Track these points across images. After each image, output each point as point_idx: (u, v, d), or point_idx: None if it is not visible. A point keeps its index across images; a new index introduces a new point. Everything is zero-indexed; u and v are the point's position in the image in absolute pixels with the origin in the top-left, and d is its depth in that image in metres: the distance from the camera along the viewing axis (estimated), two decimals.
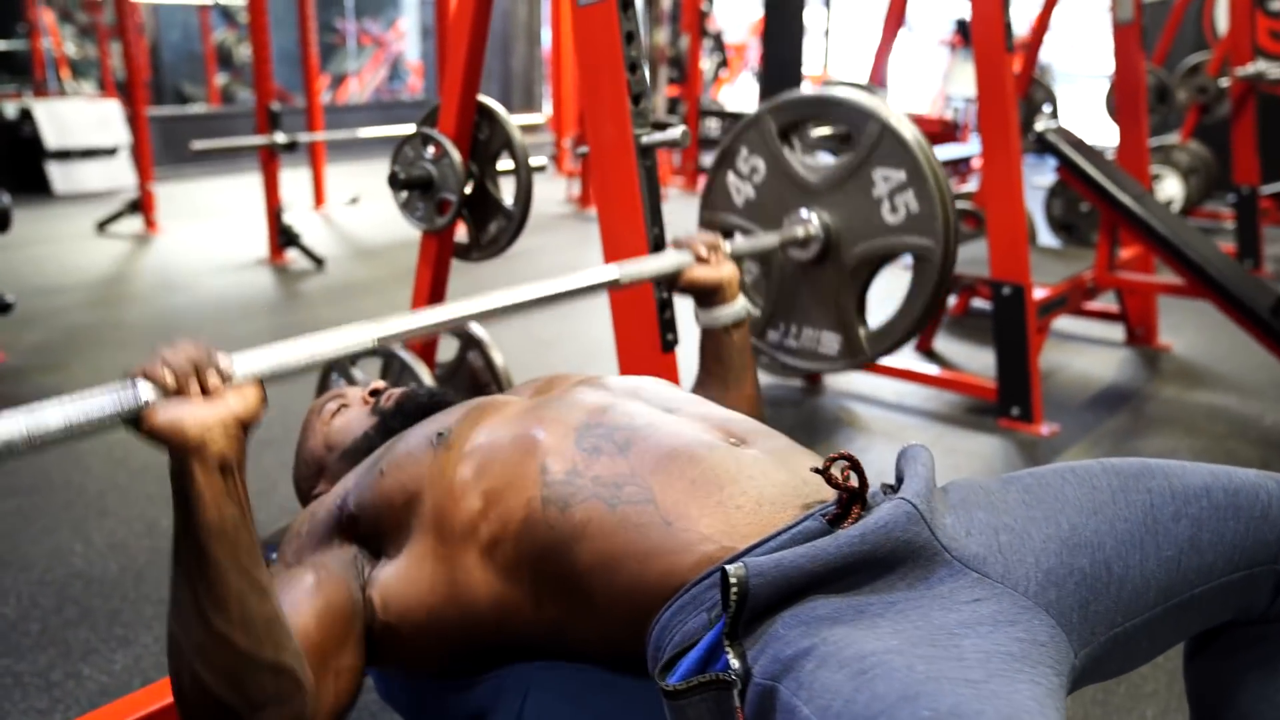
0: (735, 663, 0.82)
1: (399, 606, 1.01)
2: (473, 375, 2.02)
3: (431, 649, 1.03)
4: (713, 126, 8.00)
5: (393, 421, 1.24)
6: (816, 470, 0.93)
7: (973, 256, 3.60)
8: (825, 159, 1.77)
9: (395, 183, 1.77)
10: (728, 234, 2.08)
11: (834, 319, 1.71)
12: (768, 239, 1.60)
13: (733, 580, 0.82)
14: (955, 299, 4.11)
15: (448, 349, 2.06)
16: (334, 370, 2.01)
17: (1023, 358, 2.83)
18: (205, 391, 0.86)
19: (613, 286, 1.29)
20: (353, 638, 1.01)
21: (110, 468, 2.62)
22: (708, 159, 7.41)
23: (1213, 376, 3.44)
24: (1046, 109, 5.16)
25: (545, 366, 2.17)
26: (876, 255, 1.66)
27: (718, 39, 9.01)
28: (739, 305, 1.41)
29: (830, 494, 0.98)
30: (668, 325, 1.65)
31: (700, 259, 1.41)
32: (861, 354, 1.71)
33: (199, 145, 4.57)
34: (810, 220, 1.66)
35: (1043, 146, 3.23)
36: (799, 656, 0.79)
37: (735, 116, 7.59)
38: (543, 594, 0.98)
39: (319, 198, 6.81)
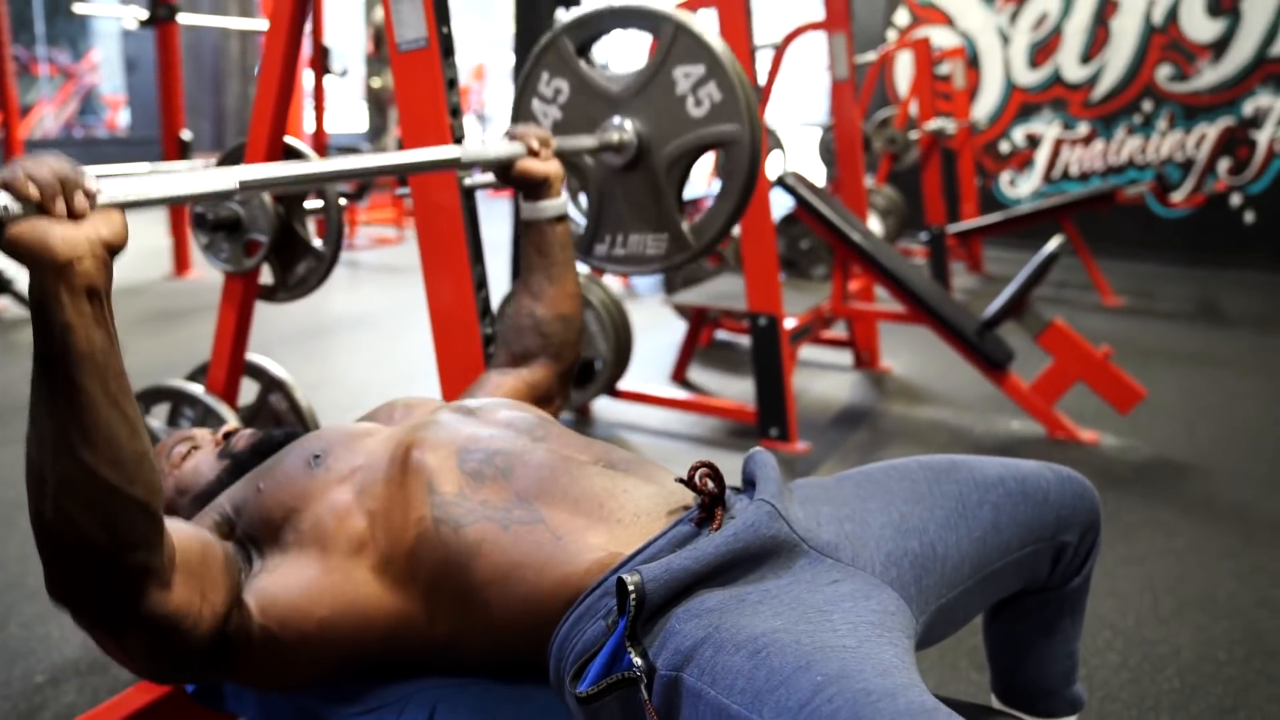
0: (639, 660, 0.90)
1: (280, 613, 1.00)
2: (276, 418, 1.97)
3: (316, 660, 1.03)
4: None
5: (249, 464, 1.23)
6: (681, 480, 1.05)
7: (718, 292, 3.89)
8: (625, 70, 1.76)
9: (203, 224, 1.72)
10: None
11: (656, 220, 1.75)
12: (586, 140, 1.65)
13: (630, 587, 0.91)
14: (702, 331, 4.39)
15: (248, 392, 2.00)
16: None
17: (779, 382, 3.09)
18: (71, 212, 0.80)
19: (454, 165, 1.35)
20: (227, 590, 0.99)
21: None
22: None
23: (930, 394, 3.89)
24: (776, 155, 5.62)
25: (316, 410, 2.14)
26: (688, 150, 1.69)
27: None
28: (562, 200, 1.49)
29: (690, 500, 1.09)
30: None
31: (532, 151, 1.46)
32: (689, 247, 1.74)
33: None
34: (623, 126, 1.70)
35: (782, 189, 3.55)
36: (697, 646, 0.89)
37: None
38: (437, 607, 1.02)
39: None
